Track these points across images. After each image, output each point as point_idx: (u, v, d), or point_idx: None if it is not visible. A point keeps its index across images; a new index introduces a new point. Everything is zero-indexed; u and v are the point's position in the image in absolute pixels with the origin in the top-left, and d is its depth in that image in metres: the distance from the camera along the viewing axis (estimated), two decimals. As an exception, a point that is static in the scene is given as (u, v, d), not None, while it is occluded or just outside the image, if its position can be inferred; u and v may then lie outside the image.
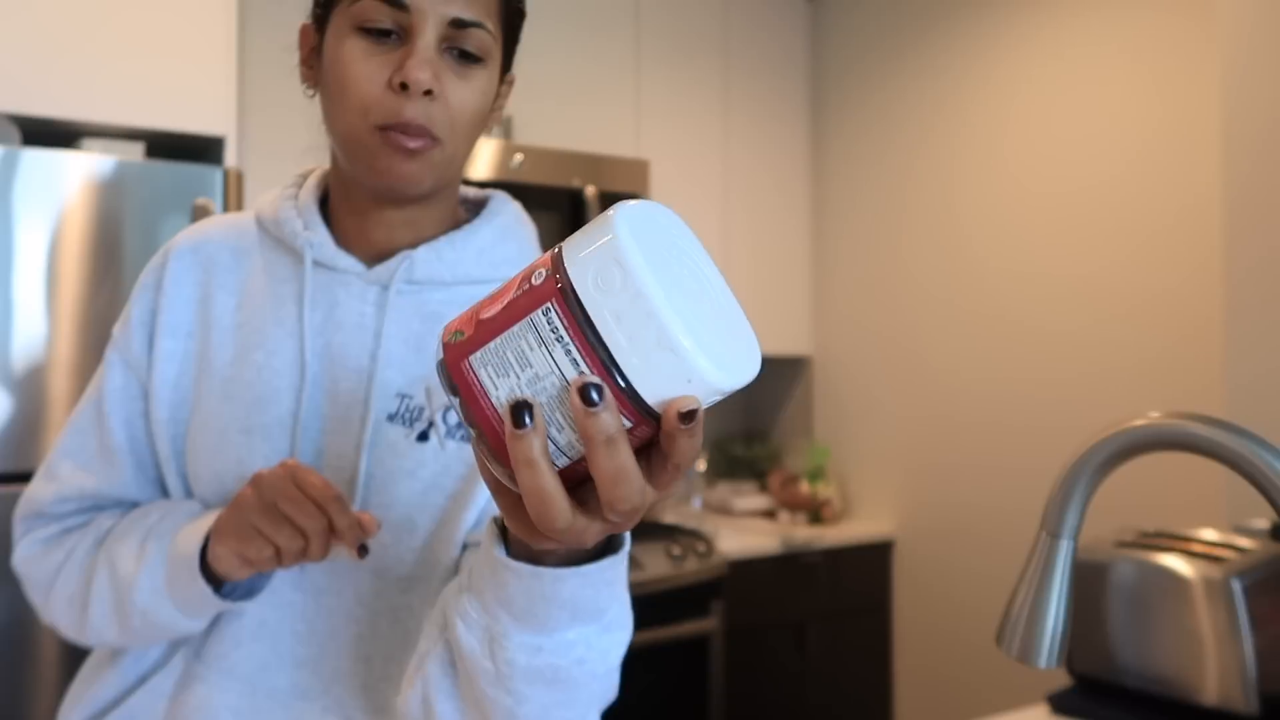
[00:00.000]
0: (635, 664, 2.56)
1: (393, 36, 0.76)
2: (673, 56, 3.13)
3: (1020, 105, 2.78)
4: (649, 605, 2.55)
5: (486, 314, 0.46)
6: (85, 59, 2.00)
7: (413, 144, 0.76)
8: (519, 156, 2.70)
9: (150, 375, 0.85)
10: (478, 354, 0.45)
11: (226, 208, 2.00)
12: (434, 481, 0.81)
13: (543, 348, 0.43)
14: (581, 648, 0.61)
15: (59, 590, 0.84)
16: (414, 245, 0.85)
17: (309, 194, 0.87)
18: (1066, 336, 2.66)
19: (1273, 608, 1.22)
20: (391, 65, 0.75)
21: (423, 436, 0.81)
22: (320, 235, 0.84)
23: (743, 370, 0.44)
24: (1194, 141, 2.40)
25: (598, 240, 0.43)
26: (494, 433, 0.46)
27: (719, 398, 0.44)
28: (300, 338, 0.82)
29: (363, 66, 0.75)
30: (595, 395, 0.42)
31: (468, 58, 0.78)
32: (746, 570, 2.83)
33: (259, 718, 0.80)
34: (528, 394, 0.44)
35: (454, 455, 0.82)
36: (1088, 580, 1.31)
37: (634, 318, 0.41)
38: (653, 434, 0.45)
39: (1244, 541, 1.32)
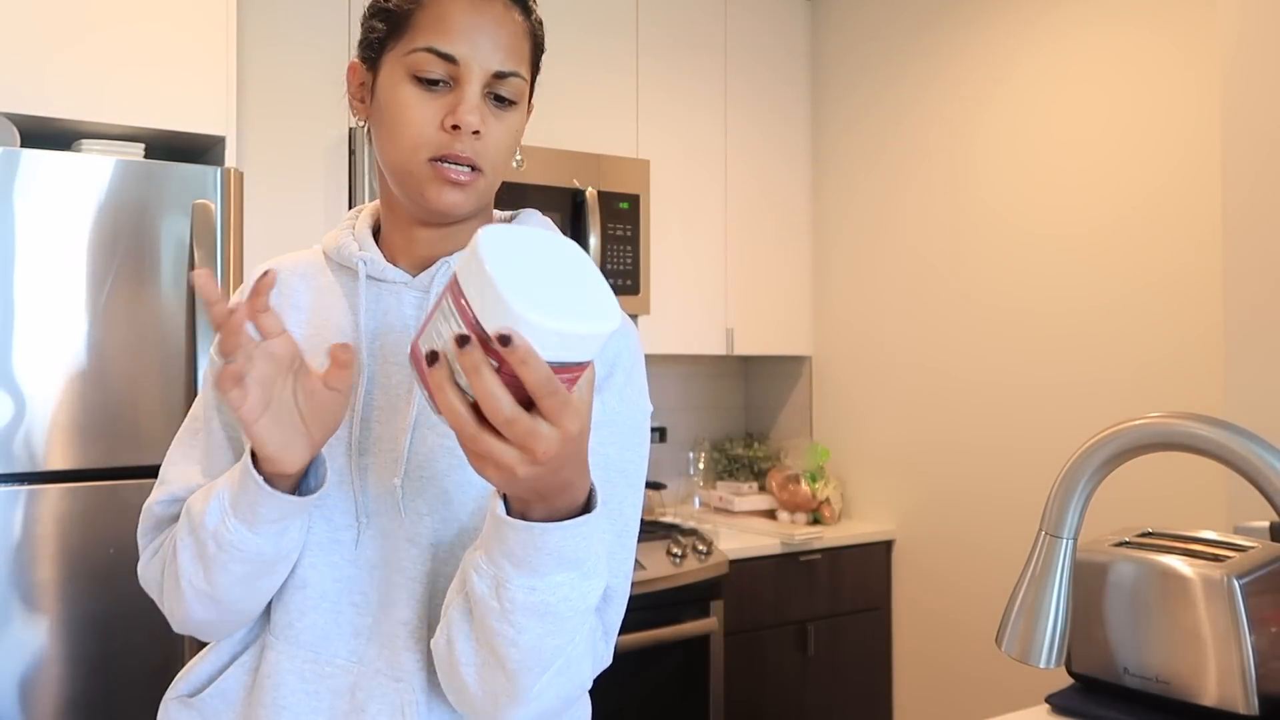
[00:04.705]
0: (635, 664, 2.56)
1: (441, 84, 0.88)
2: (673, 56, 3.13)
3: (1021, 104, 2.78)
4: (649, 605, 2.55)
5: (426, 316, 0.68)
6: (85, 59, 2.00)
7: (461, 177, 0.88)
8: (519, 157, 2.70)
9: None
10: (419, 336, 0.66)
11: (226, 208, 2.00)
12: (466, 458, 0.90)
13: (445, 320, 0.62)
14: (566, 588, 0.75)
15: (167, 574, 0.92)
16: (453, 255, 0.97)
17: (364, 223, 1.01)
18: (1066, 336, 2.66)
19: (1273, 608, 1.22)
20: (443, 109, 0.88)
21: None
22: (373, 254, 0.96)
23: (574, 318, 0.60)
24: (1195, 138, 2.40)
25: (468, 255, 0.62)
26: (426, 383, 0.66)
27: (556, 337, 0.59)
28: (358, 341, 0.95)
29: (418, 111, 0.88)
30: (463, 342, 0.60)
31: (504, 101, 0.91)
32: (746, 570, 2.83)
33: (321, 683, 0.91)
34: (438, 346, 0.63)
35: None
36: (1088, 580, 1.31)
37: (484, 291, 0.60)
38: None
39: (1244, 541, 1.32)
